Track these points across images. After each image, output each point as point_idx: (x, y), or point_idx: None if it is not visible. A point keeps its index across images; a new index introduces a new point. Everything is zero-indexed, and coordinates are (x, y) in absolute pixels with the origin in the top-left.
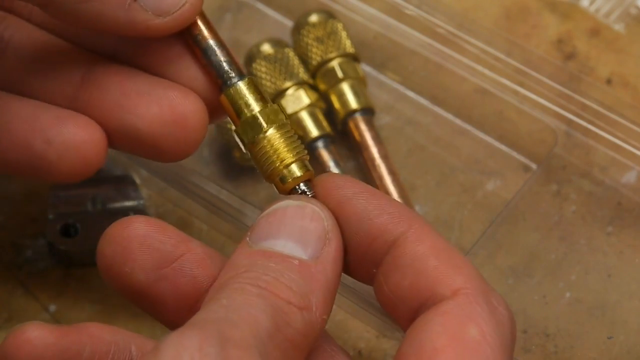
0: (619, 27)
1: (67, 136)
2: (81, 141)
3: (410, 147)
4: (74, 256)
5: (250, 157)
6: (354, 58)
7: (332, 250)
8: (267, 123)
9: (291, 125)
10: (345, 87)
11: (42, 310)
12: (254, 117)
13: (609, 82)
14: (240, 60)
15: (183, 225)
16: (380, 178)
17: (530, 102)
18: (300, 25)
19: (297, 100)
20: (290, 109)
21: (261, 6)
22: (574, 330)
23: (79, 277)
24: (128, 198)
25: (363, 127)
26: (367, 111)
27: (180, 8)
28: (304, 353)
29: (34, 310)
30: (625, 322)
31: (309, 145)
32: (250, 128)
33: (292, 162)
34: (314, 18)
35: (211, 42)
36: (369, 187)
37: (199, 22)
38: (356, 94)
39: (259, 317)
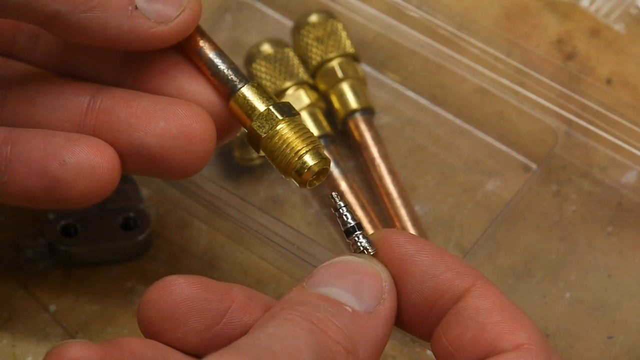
0: (619, 27)
1: (81, 156)
2: (95, 161)
3: (410, 147)
4: (74, 256)
5: (265, 154)
6: (354, 58)
7: (386, 309)
8: (281, 115)
9: (302, 120)
10: (345, 87)
11: (42, 310)
12: (269, 111)
13: (609, 82)
14: (240, 61)
15: (183, 225)
16: (380, 178)
17: (531, 102)
18: (300, 25)
19: (297, 100)
20: None
21: (261, 6)
22: (574, 330)
23: (79, 277)
24: (127, 198)
25: (363, 127)
26: (367, 111)
27: (180, 14)
28: None
29: (34, 310)
30: (625, 322)
31: None
32: (266, 121)
33: (306, 152)
34: (314, 18)
35: (214, 53)
36: (431, 243)
37: (199, 36)
38: (356, 93)
39: (303, 350)
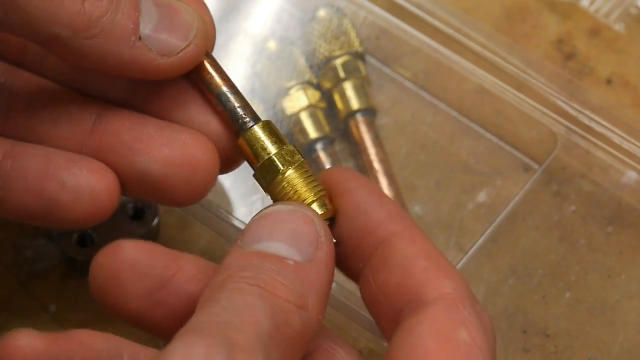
0: (619, 27)
1: (81, 179)
2: (95, 185)
3: (410, 147)
4: None
5: (272, 200)
6: (360, 56)
7: (325, 253)
8: (283, 165)
9: (308, 164)
10: (347, 87)
11: (42, 311)
12: (271, 160)
13: (609, 82)
14: (247, 53)
15: (183, 225)
16: (377, 180)
17: (531, 103)
18: (308, 20)
19: (298, 100)
20: (290, 109)
21: None
22: (574, 330)
23: (79, 277)
24: None
25: (363, 128)
26: (368, 111)
27: (184, 48)
28: (301, 352)
29: (34, 310)
30: (625, 322)
31: (308, 147)
32: (267, 171)
33: (311, 202)
34: (322, 13)
35: (224, 88)
36: (372, 183)
37: (210, 68)
38: (358, 94)
39: (260, 318)
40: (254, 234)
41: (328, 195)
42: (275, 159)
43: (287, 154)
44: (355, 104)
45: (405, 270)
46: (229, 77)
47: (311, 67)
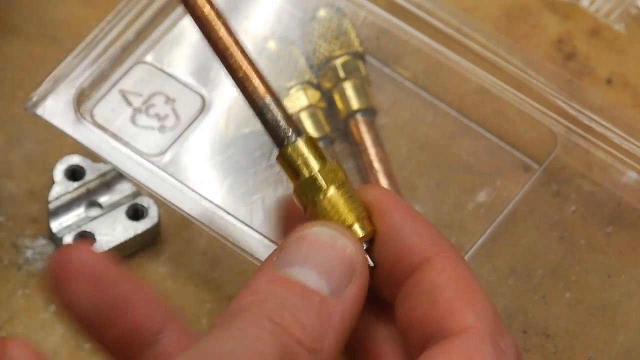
0: (619, 27)
1: None
2: None
3: (411, 147)
4: None
5: (311, 217)
6: (360, 56)
7: (356, 289)
8: (326, 183)
9: (350, 182)
10: (347, 87)
11: (42, 310)
12: (313, 178)
13: (609, 82)
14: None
15: (183, 225)
16: (376, 180)
17: (530, 103)
18: (308, 20)
19: (298, 100)
20: (291, 109)
21: None
22: (574, 330)
23: None
24: (121, 187)
25: (363, 128)
26: (368, 112)
27: None
28: None
29: (34, 310)
30: (625, 322)
31: None
32: (310, 189)
33: (352, 224)
34: (322, 13)
35: (267, 98)
36: (410, 206)
37: (255, 78)
38: (358, 94)
39: (268, 355)
40: (289, 255)
41: (369, 216)
42: (318, 176)
43: (330, 172)
44: (355, 104)
45: (432, 300)
46: (271, 86)
47: (311, 67)
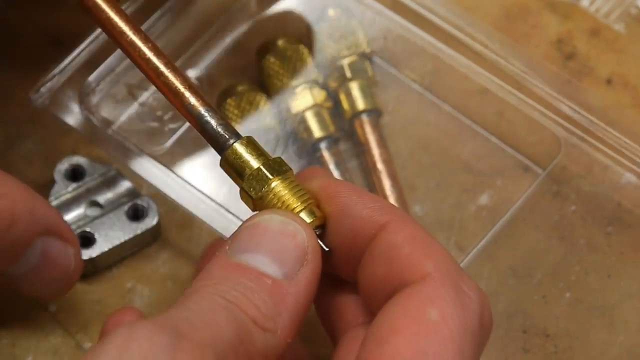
0: (619, 27)
1: None
2: None
3: (412, 147)
4: (98, 261)
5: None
6: (367, 57)
7: (308, 272)
8: (271, 174)
9: (294, 175)
10: (354, 87)
11: (42, 310)
12: (259, 170)
13: (609, 82)
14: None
15: (183, 225)
16: (379, 181)
17: (531, 103)
18: (315, 21)
19: (304, 99)
20: (296, 108)
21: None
22: (574, 330)
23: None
24: (127, 194)
25: (368, 128)
26: (374, 112)
27: None
28: None
29: (34, 310)
30: (625, 322)
31: (312, 146)
32: (256, 182)
33: (300, 211)
34: (330, 13)
35: (202, 109)
36: (351, 184)
37: (188, 92)
38: (364, 94)
39: (222, 325)
40: (241, 243)
41: (316, 203)
42: (262, 169)
43: (274, 164)
44: (361, 104)
45: (391, 259)
46: (206, 98)
47: (318, 66)
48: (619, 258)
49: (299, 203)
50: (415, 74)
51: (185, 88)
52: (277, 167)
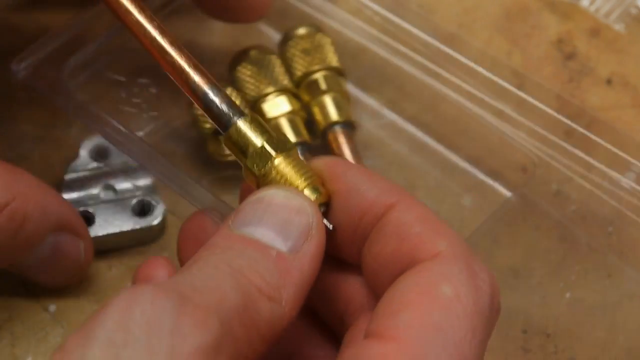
0: (619, 27)
1: None
2: None
3: (411, 147)
4: (96, 244)
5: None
6: (339, 73)
7: (313, 247)
8: (275, 151)
9: (298, 153)
10: (327, 100)
11: (42, 310)
12: (262, 148)
13: (609, 82)
14: (225, 65)
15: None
16: None
17: (531, 102)
18: (287, 38)
19: (278, 106)
20: (270, 114)
21: None
22: (574, 330)
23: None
24: (140, 181)
25: (342, 139)
26: (348, 125)
27: None
28: (267, 343)
29: (34, 310)
30: (625, 322)
31: None
32: (260, 159)
33: (304, 187)
34: (302, 31)
35: (206, 87)
36: (358, 165)
37: (193, 71)
38: (338, 106)
39: (227, 291)
40: (245, 216)
41: (321, 181)
42: (266, 145)
43: (279, 142)
44: (335, 115)
45: (400, 237)
46: (211, 76)
47: (291, 79)
48: (619, 258)
49: (303, 180)
50: (384, 97)
51: (190, 67)
52: (281, 145)
